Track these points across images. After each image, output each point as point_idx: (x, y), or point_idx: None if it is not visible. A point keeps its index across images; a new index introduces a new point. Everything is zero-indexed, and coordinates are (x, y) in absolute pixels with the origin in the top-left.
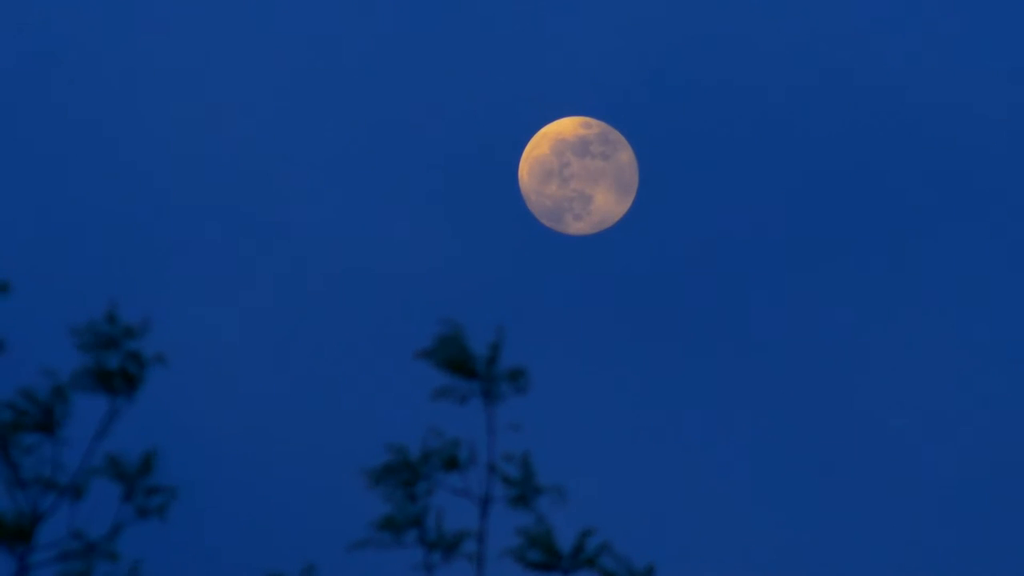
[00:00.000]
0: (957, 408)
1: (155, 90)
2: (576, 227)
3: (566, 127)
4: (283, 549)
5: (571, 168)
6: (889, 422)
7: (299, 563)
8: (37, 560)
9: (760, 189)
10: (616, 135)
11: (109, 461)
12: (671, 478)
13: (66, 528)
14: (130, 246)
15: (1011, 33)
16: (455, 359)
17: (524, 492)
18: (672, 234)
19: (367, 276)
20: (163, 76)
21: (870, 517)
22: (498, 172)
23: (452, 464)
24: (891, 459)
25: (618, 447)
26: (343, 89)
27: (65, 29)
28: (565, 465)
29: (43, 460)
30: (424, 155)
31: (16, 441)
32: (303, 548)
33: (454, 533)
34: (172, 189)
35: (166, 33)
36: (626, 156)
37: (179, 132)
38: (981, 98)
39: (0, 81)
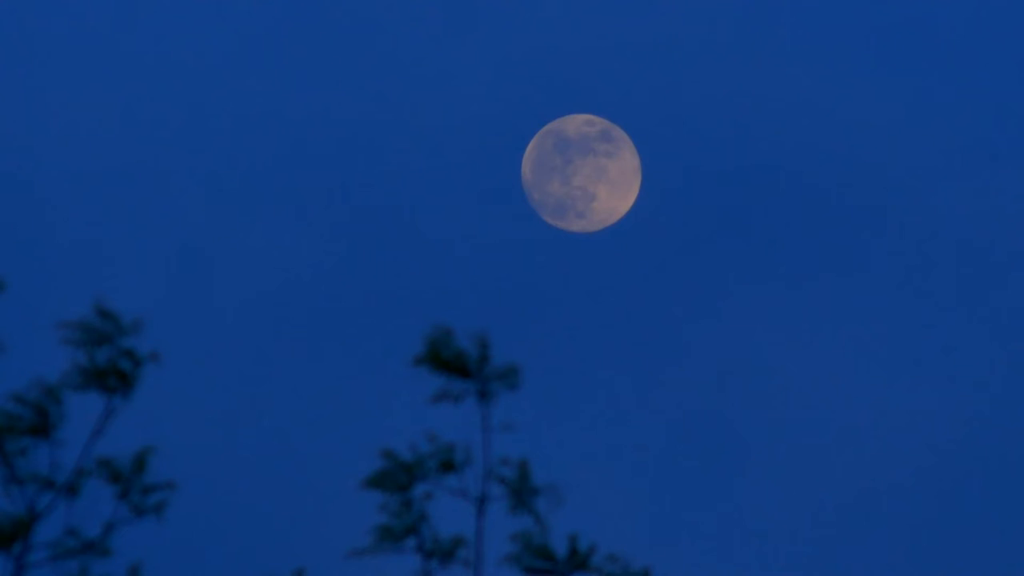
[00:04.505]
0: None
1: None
2: (579, 225)
3: (569, 125)
4: (277, 554)
5: (574, 166)
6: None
7: (293, 567)
8: (34, 559)
9: (762, 187)
10: (619, 132)
11: (101, 463)
12: (670, 478)
13: (63, 527)
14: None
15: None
16: (448, 360)
17: (521, 495)
18: (674, 231)
19: (366, 276)
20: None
21: (865, 517)
22: (500, 170)
23: (448, 467)
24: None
25: (619, 447)
26: (342, 88)
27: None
28: (564, 465)
29: (40, 460)
30: (425, 154)
31: (12, 443)
32: (297, 552)
33: (451, 539)
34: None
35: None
36: (629, 154)
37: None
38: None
39: None
